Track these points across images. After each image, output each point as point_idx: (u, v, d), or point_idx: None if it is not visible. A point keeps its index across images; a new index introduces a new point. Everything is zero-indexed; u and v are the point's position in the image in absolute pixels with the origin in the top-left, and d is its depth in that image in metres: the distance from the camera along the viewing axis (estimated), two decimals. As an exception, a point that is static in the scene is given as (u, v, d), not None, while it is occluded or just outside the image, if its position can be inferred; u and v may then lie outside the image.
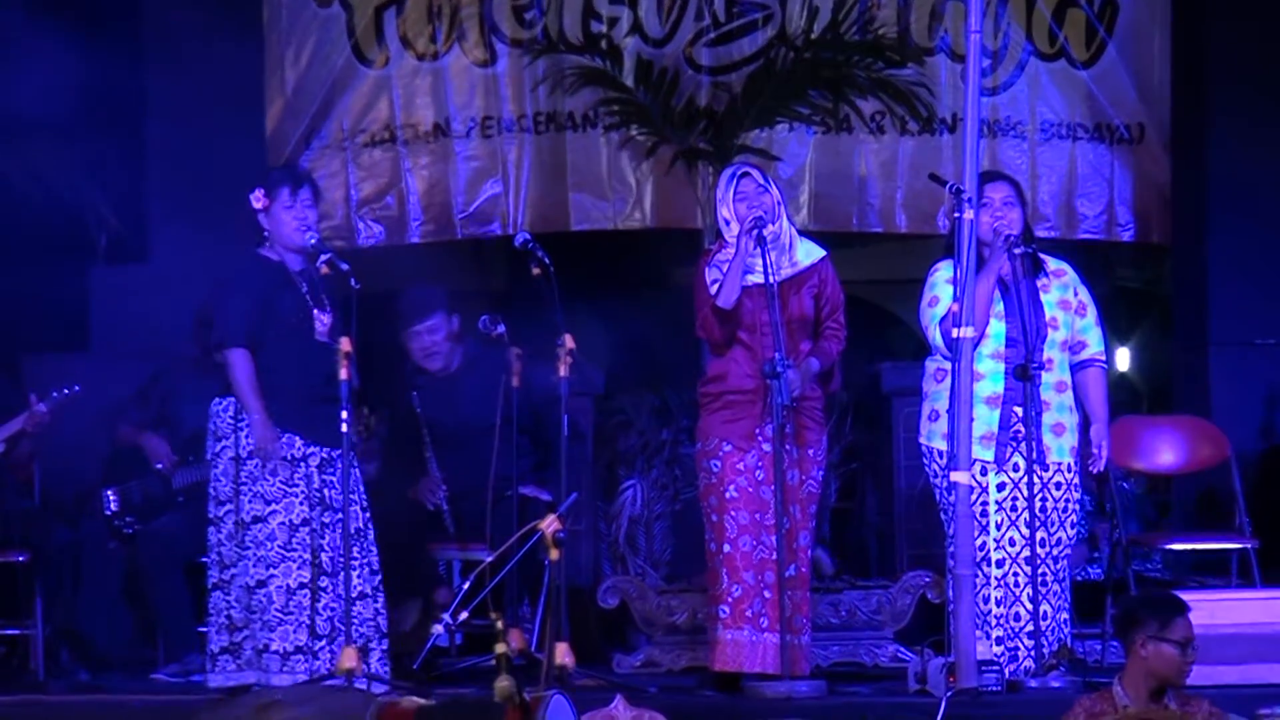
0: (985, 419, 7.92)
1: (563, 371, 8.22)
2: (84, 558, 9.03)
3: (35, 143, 9.78)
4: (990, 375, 7.98)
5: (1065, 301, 8.15)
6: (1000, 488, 8.00)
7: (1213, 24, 10.49)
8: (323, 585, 7.96)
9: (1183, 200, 10.63)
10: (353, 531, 7.93)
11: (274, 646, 7.89)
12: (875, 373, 9.87)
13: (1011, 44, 10.71)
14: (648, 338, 10.35)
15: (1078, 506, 8.16)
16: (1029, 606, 7.95)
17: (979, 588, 7.83)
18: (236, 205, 8.20)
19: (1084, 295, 8.21)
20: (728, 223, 8.12)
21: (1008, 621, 7.98)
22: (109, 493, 9.06)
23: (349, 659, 7.71)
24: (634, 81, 10.44)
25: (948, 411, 7.64)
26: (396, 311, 9.17)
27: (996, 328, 8.01)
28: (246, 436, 7.97)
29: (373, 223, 10.69)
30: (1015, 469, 7.99)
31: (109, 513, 9.04)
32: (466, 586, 7.59)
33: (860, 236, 11.05)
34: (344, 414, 7.83)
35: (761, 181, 8.13)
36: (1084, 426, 8.16)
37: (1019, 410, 7.98)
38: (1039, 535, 7.96)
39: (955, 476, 7.54)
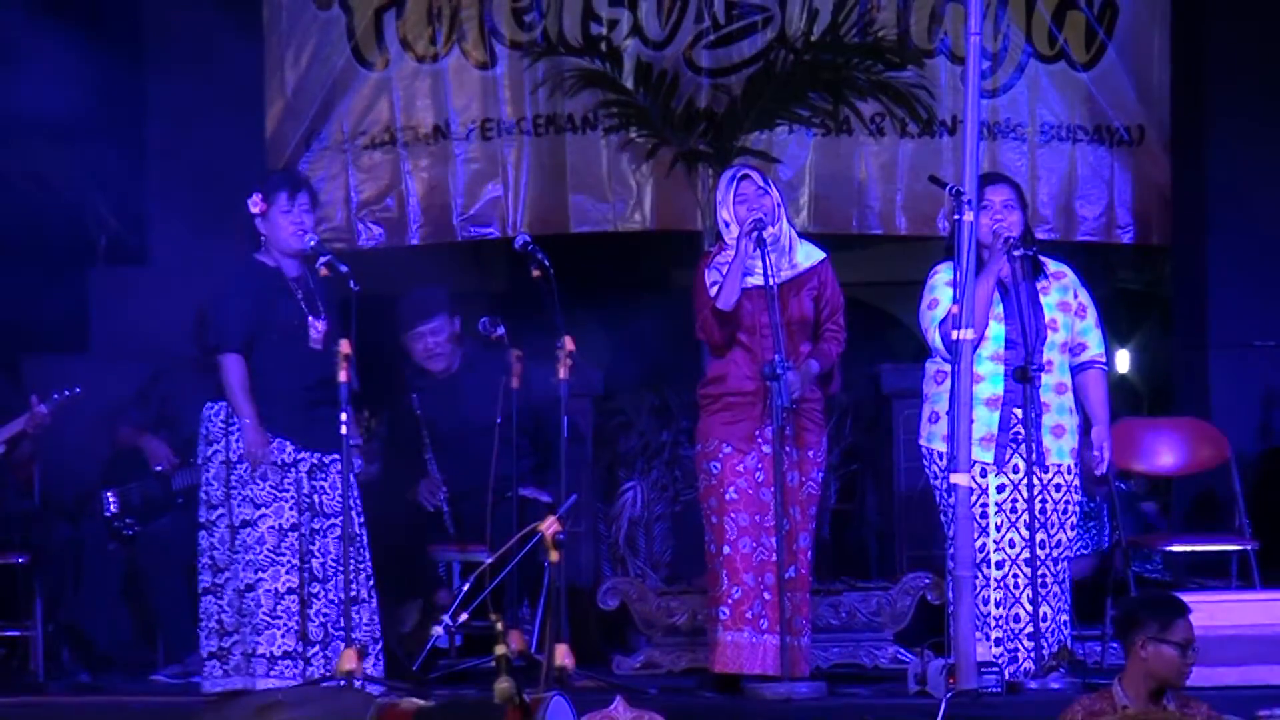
0: (985, 421, 7.92)
1: (562, 373, 8.21)
2: (84, 559, 9.03)
3: (35, 144, 9.77)
4: (990, 377, 7.98)
5: (1065, 304, 8.15)
6: (1000, 489, 8.01)
7: (1213, 24, 10.49)
8: (314, 591, 7.96)
9: (1183, 201, 10.63)
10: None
11: (261, 650, 7.89)
12: (875, 374, 9.87)
13: (1011, 46, 10.71)
14: (647, 339, 10.34)
15: (1077, 508, 8.17)
16: (1029, 608, 7.95)
17: (979, 589, 7.83)
18: (236, 207, 8.21)
19: (1084, 297, 8.21)
20: (727, 225, 8.12)
21: (1007, 623, 7.98)
22: (109, 494, 9.06)
23: (349, 660, 7.71)
24: (634, 84, 10.44)
25: (947, 413, 7.64)
26: (399, 313, 9.18)
27: (996, 330, 8.01)
28: (237, 441, 7.99)
29: (373, 225, 10.69)
30: (1015, 471, 7.99)
31: (109, 514, 9.04)
32: (466, 588, 7.60)
33: (860, 239, 11.06)
34: (344, 416, 7.84)
35: (761, 184, 8.14)
36: (1084, 428, 8.17)
37: (1019, 412, 7.98)
38: (1039, 537, 7.97)
39: (955, 478, 7.54)
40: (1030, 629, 7.95)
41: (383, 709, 6.68)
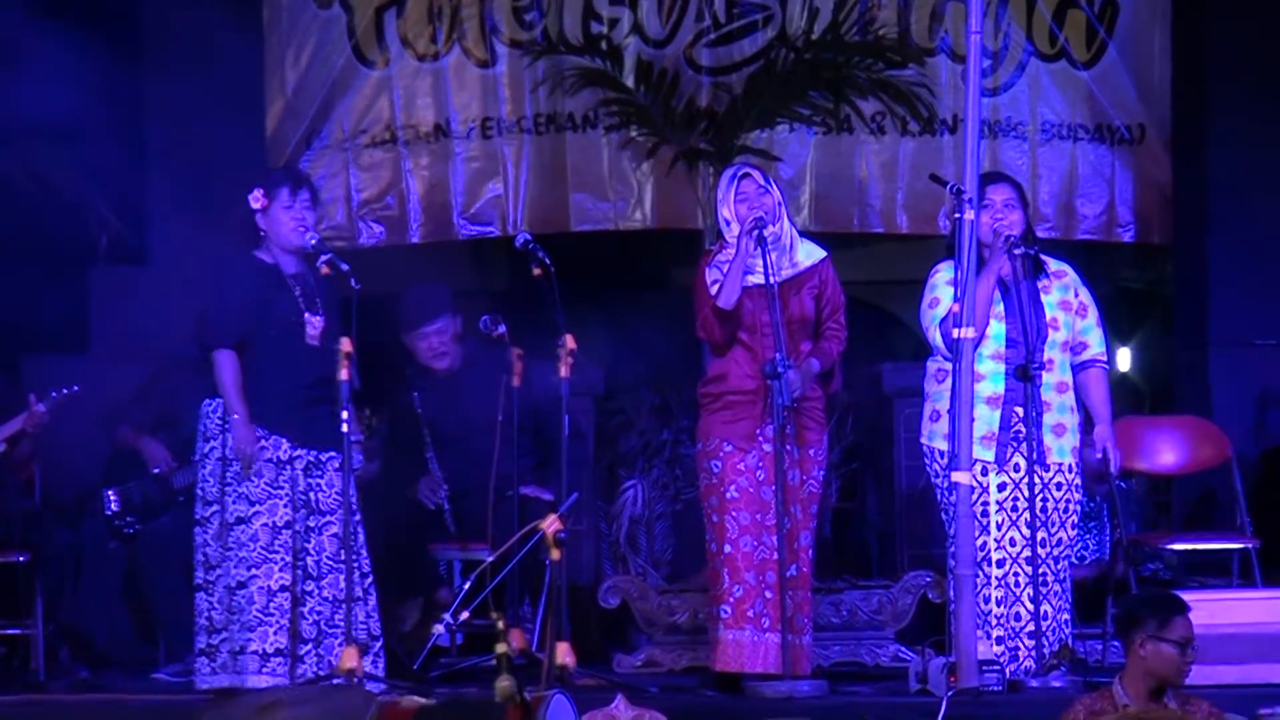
0: (986, 419, 7.92)
1: (563, 371, 8.21)
2: (84, 558, 9.02)
3: (35, 143, 9.77)
4: (991, 376, 7.98)
5: (1066, 302, 8.15)
6: (1001, 488, 8.00)
7: (1213, 24, 10.49)
8: (307, 589, 7.95)
9: (1183, 200, 10.63)
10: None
11: (252, 647, 7.87)
12: (876, 373, 9.87)
13: (1012, 45, 10.70)
14: (648, 338, 10.34)
15: (1078, 507, 8.16)
16: (1030, 606, 7.95)
17: (980, 588, 7.83)
18: (237, 206, 8.20)
19: (1085, 296, 8.21)
20: (728, 223, 8.12)
21: (1008, 621, 7.98)
22: (109, 493, 9.06)
23: (350, 659, 7.71)
24: (634, 82, 10.44)
25: (948, 412, 7.65)
26: (402, 313, 9.18)
27: (997, 328, 8.01)
28: (232, 438, 7.98)
29: (373, 223, 10.69)
30: (1016, 469, 7.99)
31: (109, 513, 9.04)
32: (467, 586, 7.59)
33: (861, 237, 11.05)
34: (344, 414, 7.83)
35: (762, 182, 8.13)
36: (1085, 427, 8.17)
37: (1020, 410, 7.98)
38: (1040, 535, 7.96)
39: (956, 477, 7.54)
40: (1031, 627, 7.95)
41: (383, 707, 6.67)
